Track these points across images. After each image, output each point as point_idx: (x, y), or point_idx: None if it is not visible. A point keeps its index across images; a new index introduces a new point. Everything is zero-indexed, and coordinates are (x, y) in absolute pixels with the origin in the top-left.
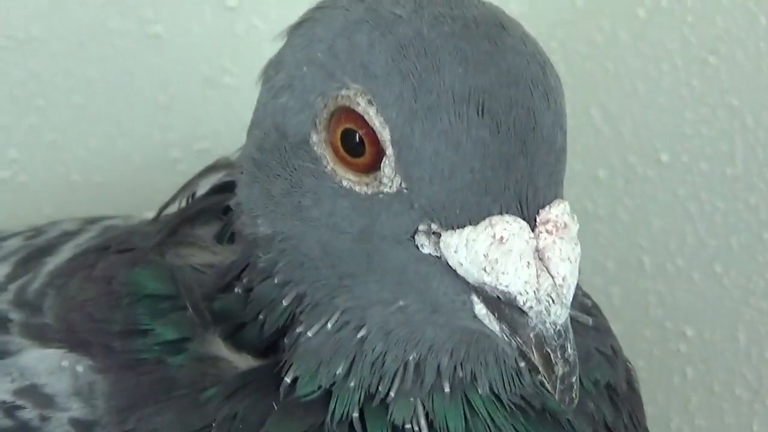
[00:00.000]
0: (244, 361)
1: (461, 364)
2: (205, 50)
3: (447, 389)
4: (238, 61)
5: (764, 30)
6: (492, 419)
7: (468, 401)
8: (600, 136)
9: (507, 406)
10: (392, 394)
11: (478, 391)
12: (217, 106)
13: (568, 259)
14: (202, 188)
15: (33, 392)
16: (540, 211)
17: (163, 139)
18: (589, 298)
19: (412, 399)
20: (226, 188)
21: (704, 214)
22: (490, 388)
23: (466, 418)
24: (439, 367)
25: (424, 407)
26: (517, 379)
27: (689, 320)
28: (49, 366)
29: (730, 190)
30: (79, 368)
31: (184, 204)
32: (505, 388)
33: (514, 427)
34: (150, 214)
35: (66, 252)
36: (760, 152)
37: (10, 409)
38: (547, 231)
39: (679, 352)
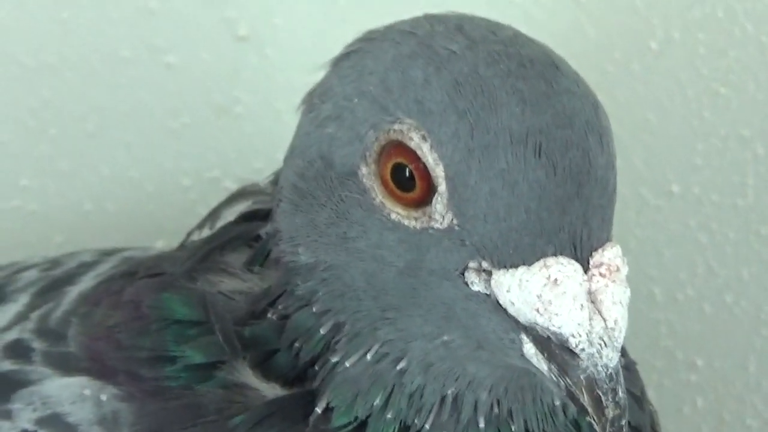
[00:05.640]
0: (271, 390)
1: (499, 400)
2: (216, 79)
3: (482, 425)
4: (250, 91)
5: None
6: None
7: None
8: None
9: None
10: (427, 426)
11: (512, 429)
12: (228, 134)
13: (620, 302)
14: (229, 215)
15: (55, 421)
16: (593, 253)
17: (175, 167)
18: None
19: None
20: (255, 216)
21: (715, 244)
22: (525, 426)
23: None
24: (476, 402)
25: None
26: (551, 418)
27: (700, 350)
28: (72, 394)
29: (742, 220)
30: (103, 397)
31: (209, 231)
32: (538, 427)
33: None
34: (161, 243)
35: (86, 282)
36: None
37: None
38: (600, 274)
39: (690, 382)
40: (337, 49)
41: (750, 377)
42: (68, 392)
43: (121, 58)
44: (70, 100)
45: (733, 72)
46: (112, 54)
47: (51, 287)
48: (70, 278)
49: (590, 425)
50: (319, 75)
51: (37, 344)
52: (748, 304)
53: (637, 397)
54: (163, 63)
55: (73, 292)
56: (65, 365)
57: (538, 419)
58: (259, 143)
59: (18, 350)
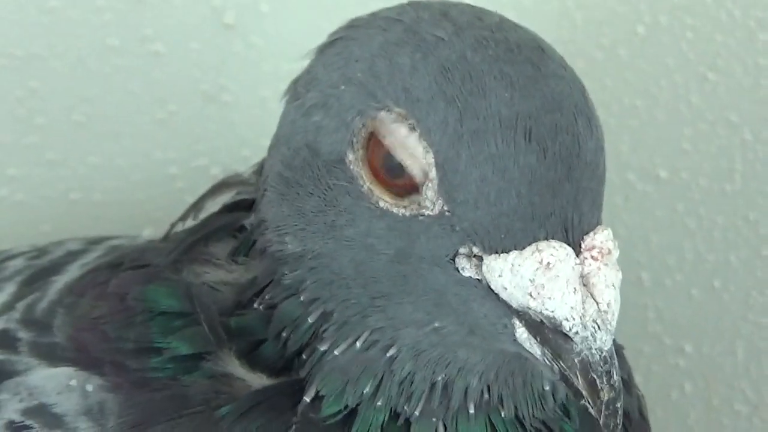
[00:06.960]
0: (258, 380)
1: (489, 386)
2: (203, 68)
3: (472, 411)
4: (237, 79)
5: (763, 46)
6: None
7: (491, 424)
8: None
9: (528, 431)
10: (417, 413)
11: (501, 415)
12: (215, 123)
13: (613, 285)
14: (212, 206)
15: (42, 411)
16: (585, 237)
17: (162, 156)
18: None
19: (434, 419)
20: (238, 206)
21: (703, 229)
22: (515, 412)
23: None
24: (467, 388)
25: (446, 429)
26: (540, 404)
27: (688, 335)
28: (58, 385)
29: (729, 205)
30: (89, 387)
31: (193, 222)
32: (528, 412)
33: None
34: (148, 232)
35: (72, 272)
36: (759, 168)
37: (19, 429)
38: (592, 257)
39: (678, 367)
40: (323, 37)
41: (738, 362)
42: (54, 383)
43: (108, 47)
44: (57, 89)
45: (721, 57)
46: (99, 43)
47: (37, 277)
48: (56, 268)
49: (580, 409)
50: (306, 63)
51: (24, 334)
52: (737, 289)
53: (625, 381)
54: (150, 52)
55: (59, 282)
56: (51, 356)
57: (528, 404)
58: (246, 131)
59: (4, 340)
